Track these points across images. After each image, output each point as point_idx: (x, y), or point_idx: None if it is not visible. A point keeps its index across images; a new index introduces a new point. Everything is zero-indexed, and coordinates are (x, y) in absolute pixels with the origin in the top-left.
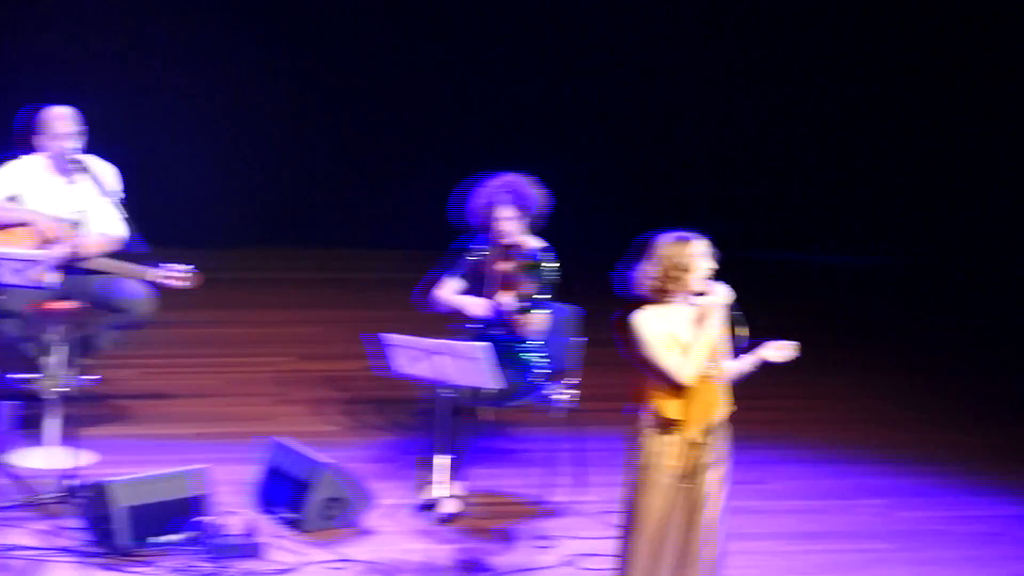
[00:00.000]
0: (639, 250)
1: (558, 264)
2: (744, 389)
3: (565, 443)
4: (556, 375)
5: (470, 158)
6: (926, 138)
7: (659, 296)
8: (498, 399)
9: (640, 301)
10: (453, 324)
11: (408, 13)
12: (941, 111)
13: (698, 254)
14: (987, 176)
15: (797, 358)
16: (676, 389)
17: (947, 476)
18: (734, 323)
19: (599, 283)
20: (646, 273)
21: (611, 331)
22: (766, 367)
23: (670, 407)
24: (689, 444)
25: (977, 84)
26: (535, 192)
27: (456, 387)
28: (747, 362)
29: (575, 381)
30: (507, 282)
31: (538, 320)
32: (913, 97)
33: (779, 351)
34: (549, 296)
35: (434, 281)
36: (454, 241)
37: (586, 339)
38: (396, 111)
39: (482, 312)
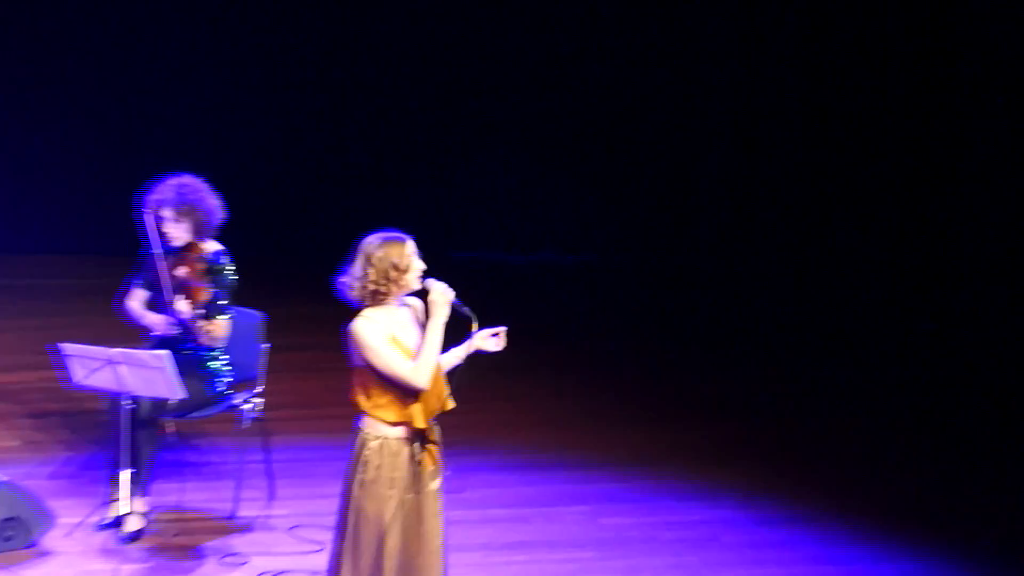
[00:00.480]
0: (351, 253)
1: (233, 267)
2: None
3: (253, 455)
4: (242, 384)
5: (150, 159)
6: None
7: (376, 299)
8: (182, 410)
9: (357, 305)
10: (143, 332)
11: None
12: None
13: (412, 253)
14: (684, 178)
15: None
16: (410, 394)
17: (651, 480)
18: (463, 317)
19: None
20: (361, 276)
21: (343, 338)
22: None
23: (398, 410)
24: (418, 445)
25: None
26: (205, 195)
27: (137, 398)
28: (460, 352)
29: (261, 389)
30: (185, 288)
31: (219, 327)
32: (591, 99)
33: (491, 339)
34: (227, 301)
35: (127, 289)
36: (140, 247)
37: (270, 345)
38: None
39: (160, 328)
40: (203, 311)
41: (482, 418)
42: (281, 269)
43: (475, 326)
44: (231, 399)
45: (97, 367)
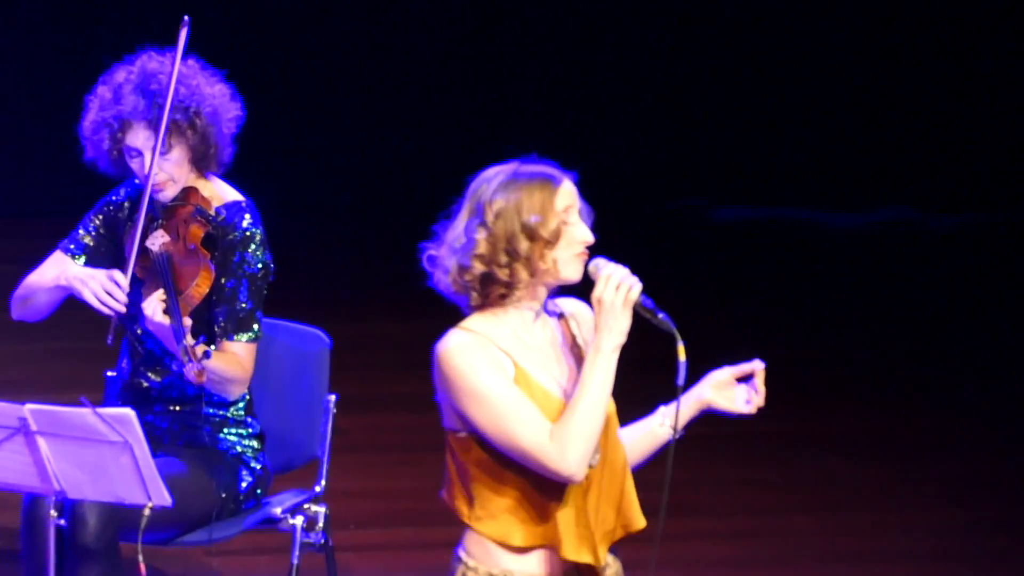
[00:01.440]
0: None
1: (264, 241)
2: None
3: None
4: (286, 476)
5: None
6: None
7: (490, 294)
8: (166, 530)
9: (459, 308)
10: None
11: None
12: None
13: (569, 206)
14: None
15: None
16: (550, 488)
17: None
18: (663, 331)
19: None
20: (464, 248)
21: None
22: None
23: (527, 522)
24: None
25: None
26: (212, 91)
27: (74, 505)
28: (665, 416)
29: (321, 488)
30: (169, 273)
31: (229, 358)
32: None
33: (736, 388)
34: (254, 306)
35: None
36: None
37: (336, 397)
38: None
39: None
40: (197, 322)
41: (729, 551)
42: (348, 254)
43: (682, 352)
44: (264, 508)
45: None
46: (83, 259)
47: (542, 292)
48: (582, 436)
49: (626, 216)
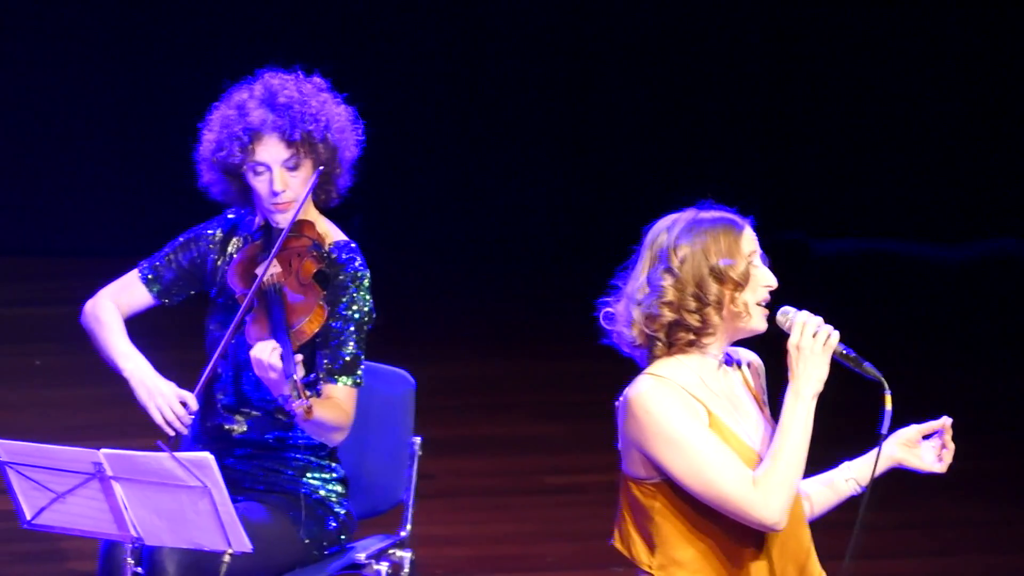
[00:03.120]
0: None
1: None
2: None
3: None
4: (371, 522)
5: None
6: None
7: (675, 341)
8: None
9: (644, 356)
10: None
11: None
12: None
13: (753, 251)
14: None
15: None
16: (747, 536)
17: None
18: (869, 379)
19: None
20: (648, 297)
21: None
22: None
23: (720, 570)
24: None
25: None
26: (340, 113)
27: (152, 553)
28: (852, 470)
29: (406, 533)
30: (280, 310)
31: (333, 404)
32: None
33: (925, 444)
34: (360, 348)
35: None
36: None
37: (420, 439)
38: None
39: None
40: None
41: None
42: (433, 294)
43: (888, 401)
44: (348, 553)
45: (67, 488)
46: (156, 288)
47: (726, 339)
48: (785, 484)
49: None
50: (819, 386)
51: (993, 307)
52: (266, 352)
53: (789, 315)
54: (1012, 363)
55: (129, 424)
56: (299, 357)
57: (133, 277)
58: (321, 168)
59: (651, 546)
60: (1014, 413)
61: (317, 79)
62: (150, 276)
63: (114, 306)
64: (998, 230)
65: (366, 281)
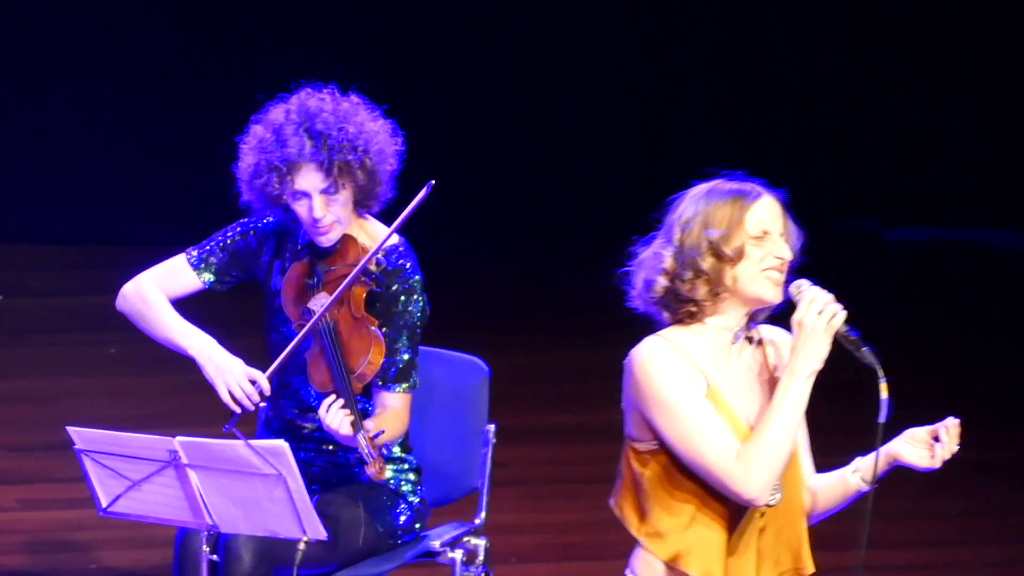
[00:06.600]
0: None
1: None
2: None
3: None
4: (445, 509)
5: None
6: None
7: (681, 309)
8: (321, 566)
9: (653, 322)
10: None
11: None
12: None
13: (770, 222)
14: None
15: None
16: (722, 515)
17: None
18: (865, 365)
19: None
20: (657, 261)
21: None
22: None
23: (701, 544)
24: None
25: None
26: (374, 125)
27: (228, 540)
28: (867, 463)
29: (481, 520)
30: (335, 347)
31: (394, 430)
32: None
33: (924, 444)
34: (413, 356)
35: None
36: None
37: (496, 427)
38: None
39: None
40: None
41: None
42: (510, 281)
43: (885, 389)
44: (424, 541)
45: (143, 476)
46: (208, 273)
47: (738, 313)
48: (768, 459)
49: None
50: (817, 364)
51: None
52: (336, 420)
53: (801, 288)
54: None
55: (204, 412)
56: (370, 427)
57: (181, 261)
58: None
59: (642, 512)
60: None
61: (353, 96)
62: (201, 262)
63: (159, 289)
64: None
65: (418, 286)
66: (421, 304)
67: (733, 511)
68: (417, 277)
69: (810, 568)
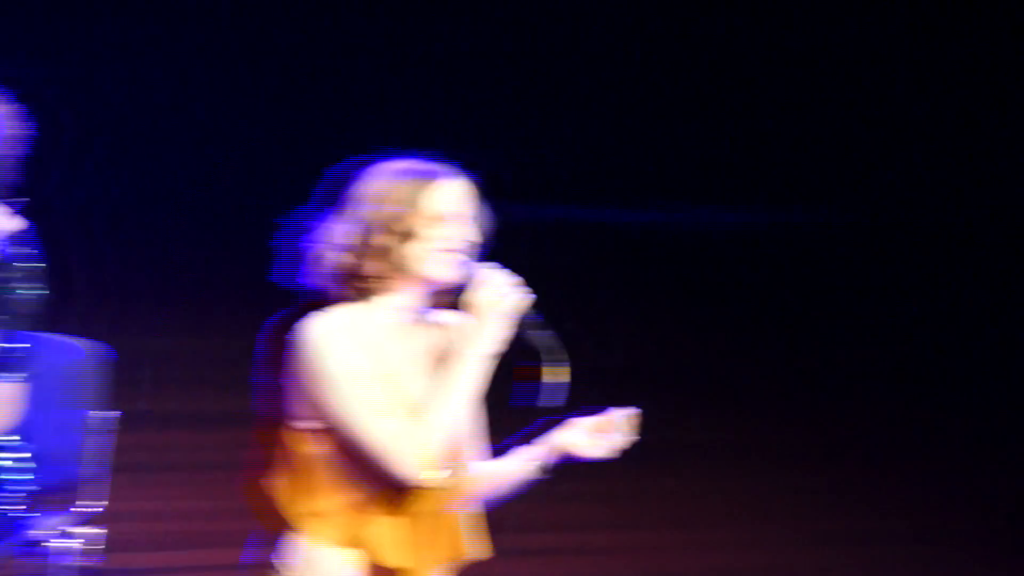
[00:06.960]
0: (323, 200)
1: (39, 266)
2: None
3: None
4: (56, 497)
5: None
6: None
7: (351, 288)
8: None
9: (321, 299)
10: None
11: None
12: None
13: (449, 204)
14: None
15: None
16: (390, 491)
17: None
18: (535, 352)
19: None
20: (337, 240)
21: (261, 354)
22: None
23: (356, 526)
24: None
25: None
26: None
27: None
28: (538, 452)
29: (98, 504)
30: None
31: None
32: None
33: (605, 432)
34: (19, 341)
35: None
36: None
37: (120, 413)
38: None
39: None
40: None
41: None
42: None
43: (547, 373)
44: (26, 528)
45: None
46: None
47: (412, 293)
48: (433, 440)
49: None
50: (492, 347)
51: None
52: None
53: (482, 272)
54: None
55: None
56: None
57: None
58: None
59: (302, 495)
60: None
61: None
62: None
63: None
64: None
65: (20, 272)
66: (29, 289)
67: (400, 492)
68: (33, 260)
69: (475, 552)
